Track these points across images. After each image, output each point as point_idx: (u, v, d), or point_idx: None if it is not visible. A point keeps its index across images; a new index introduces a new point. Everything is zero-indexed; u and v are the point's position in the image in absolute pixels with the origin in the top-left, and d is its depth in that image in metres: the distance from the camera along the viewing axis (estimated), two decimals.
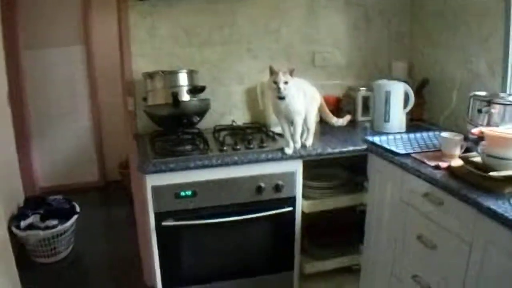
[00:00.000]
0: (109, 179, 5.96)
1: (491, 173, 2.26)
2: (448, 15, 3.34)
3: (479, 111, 2.74)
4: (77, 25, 5.41)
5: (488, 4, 2.96)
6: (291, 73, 2.74)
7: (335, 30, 3.58)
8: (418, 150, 2.82)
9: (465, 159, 2.49)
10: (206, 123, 3.23)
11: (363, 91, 3.50)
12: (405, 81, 3.35)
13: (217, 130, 3.20)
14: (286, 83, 2.70)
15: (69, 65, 5.50)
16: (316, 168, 3.09)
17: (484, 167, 2.35)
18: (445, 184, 2.38)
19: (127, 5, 3.10)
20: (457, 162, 2.53)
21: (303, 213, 2.98)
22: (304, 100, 2.84)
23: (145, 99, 3.07)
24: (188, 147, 2.82)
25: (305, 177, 2.96)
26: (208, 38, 3.30)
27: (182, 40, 3.25)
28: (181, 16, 3.22)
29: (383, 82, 3.26)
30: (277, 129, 3.12)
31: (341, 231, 3.31)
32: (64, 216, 4.10)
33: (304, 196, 2.99)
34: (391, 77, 3.51)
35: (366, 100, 3.49)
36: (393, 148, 2.83)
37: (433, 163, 2.59)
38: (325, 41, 3.57)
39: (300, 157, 2.85)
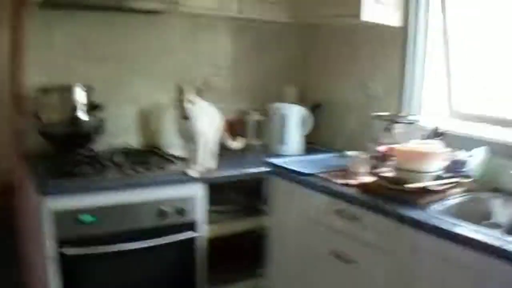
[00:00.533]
0: None
1: (407, 185, 2.31)
2: (345, 42, 3.46)
3: (387, 129, 2.80)
4: None
5: (386, 33, 3.10)
6: (199, 93, 2.67)
7: (228, 53, 3.54)
8: (323, 170, 2.82)
9: (377, 175, 2.53)
10: (99, 145, 2.99)
11: (255, 114, 3.46)
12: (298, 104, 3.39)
13: (111, 152, 2.97)
14: (191, 103, 2.63)
15: None
16: (216, 193, 2.95)
17: (397, 181, 2.39)
18: (360, 200, 2.41)
19: (25, 11, 2.83)
20: (368, 179, 2.57)
21: (207, 238, 2.84)
22: (206, 121, 2.77)
23: (38, 116, 2.79)
24: (87, 168, 2.60)
25: (208, 202, 2.82)
26: (105, 53, 3.08)
27: (79, 53, 3.01)
28: (80, 28, 2.99)
29: (279, 105, 3.27)
30: (174, 151, 3.01)
31: (244, 255, 3.19)
32: None
33: (209, 221, 2.84)
34: (283, 102, 3.51)
35: (258, 123, 3.45)
36: (300, 169, 2.80)
37: (342, 181, 2.60)
38: (219, 64, 3.51)
39: (204, 180, 2.73)
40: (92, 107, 2.80)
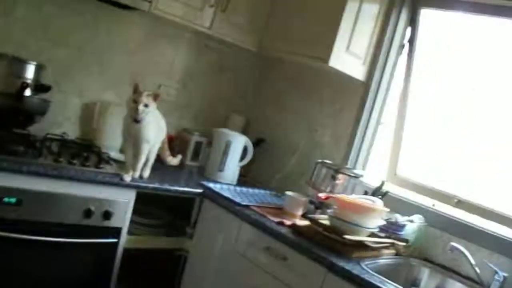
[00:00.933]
0: None
1: (346, 236, 2.28)
2: (302, 83, 3.44)
3: (332, 178, 2.76)
4: None
5: (347, 81, 3.09)
6: (156, 98, 2.57)
7: (186, 68, 3.47)
8: (259, 204, 2.77)
9: (313, 220, 2.48)
10: (35, 129, 2.79)
11: (196, 135, 3.38)
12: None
13: (48, 138, 2.79)
14: (146, 106, 2.51)
15: None
16: (142, 205, 2.82)
17: (332, 230, 2.37)
18: (291, 240, 2.35)
19: None
20: (302, 222, 2.54)
21: (124, 248, 2.70)
22: (155, 130, 2.67)
23: None
24: (21, 148, 2.41)
25: (134, 211, 2.70)
26: (63, 38, 2.94)
27: (37, 31, 2.85)
28: (47, 6, 2.84)
29: (225, 131, 3.20)
30: (111, 154, 2.90)
31: (159, 274, 3.03)
32: None
33: (129, 231, 2.71)
34: (227, 128, 3.46)
35: (198, 145, 3.38)
36: (235, 198, 2.72)
37: (276, 219, 2.55)
38: (174, 76, 3.43)
39: (136, 187, 2.61)
40: (40, 87, 2.65)
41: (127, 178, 2.55)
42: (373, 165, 3.12)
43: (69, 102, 3.05)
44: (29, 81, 2.60)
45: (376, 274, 2.08)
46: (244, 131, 3.59)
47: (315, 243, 2.31)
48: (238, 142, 3.16)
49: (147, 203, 2.84)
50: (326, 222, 2.45)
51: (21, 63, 2.62)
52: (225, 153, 3.12)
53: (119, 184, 2.54)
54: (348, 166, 3.02)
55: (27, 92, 2.57)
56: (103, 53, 3.10)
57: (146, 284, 2.97)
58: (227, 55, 3.58)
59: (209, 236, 2.79)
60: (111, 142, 2.96)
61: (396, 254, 2.49)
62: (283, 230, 2.42)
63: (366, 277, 2.03)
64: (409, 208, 2.69)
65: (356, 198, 2.53)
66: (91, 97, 3.10)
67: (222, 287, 2.67)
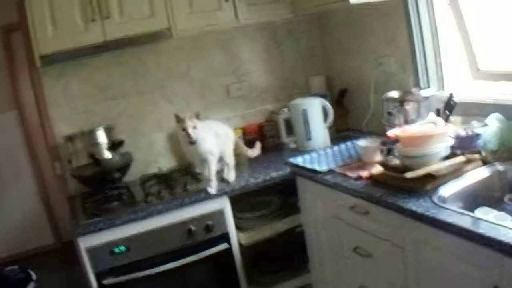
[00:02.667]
0: (65, 239, 5.77)
1: (406, 174, 2.24)
2: (353, 23, 3.40)
3: (389, 113, 2.73)
4: (7, 89, 5.28)
5: (387, 7, 3.00)
6: (198, 116, 2.75)
7: (247, 58, 3.58)
8: (341, 163, 2.81)
9: (384, 165, 2.48)
10: (133, 175, 3.21)
11: (284, 113, 3.46)
12: (324, 95, 3.37)
13: (143, 180, 3.16)
14: (194, 127, 2.70)
15: (4, 131, 5.36)
16: (251, 197, 3.05)
17: (403, 169, 2.32)
18: (367, 194, 2.37)
19: (38, 70, 3.04)
20: (377, 169, 2.52)
21: (242, 246, 2.94)
22: (215, 139, 2.85)
23: (70, 161, 3.06)
24: (115, 203, 2.80)
25: (238, 210, 2.94)
26: (121, 90, 3.27)
27: (97, 96, 3.22)
28: (92, 73, 3.19)
29: (298, 101, 3.26)
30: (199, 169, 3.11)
31: (287, 254, 3.25)
32: (20, 286, 3.96)
33: (241, 228, 2.95)
34: (310, 93, 3.51)
35: (288, 121, 3.45)
36: (315, 167, 2.80)
37: (354, 174, 2.58)
38: (238, 71, 3.56)
39: (225, 193, 2.83)
40: (114, 145, 3.02)
41: (211, 190, 2.78)
42: (450, 73, 2.94)
43: (154, 139, 3.37)
44: (101, 145, 2.99)
45: (445, 206, 2.01)
46: (328, 88, 3.63)
47: (390, 189, 2.30)
48: (314, 106, 3.20)
49: (258, 194, 3.06)
50: (394, 163, 2.44)
51: (90, 133, 3.03)
52: (305, 121, 3.19)
53: (206, 197, 2.78)
54: (422, 86, 2.93)
55: (105, 154, 2.97)
56: (160, 85, 3.36)
57: (281, 264, 3.20)
58: (277, 27, 3.63)
59: (311, 208, 2.91)
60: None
61: (480, 166, 2.32)
62: (361, 185, 2.46)
63: (433, 213, 1.96)
64: (489, 109, 2.47)
65: (417, 127, 2.47)
66: (170, 126, 3.31)
67: (334, 252, 2.78)
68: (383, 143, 2.64)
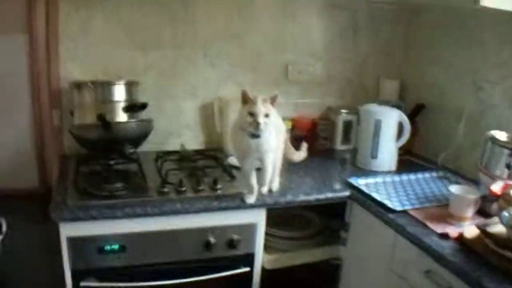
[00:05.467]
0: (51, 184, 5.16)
1: None
2: (456, 29, 2.71)
3: (508, 166, 2.09)
4: (19, 7, 4.61)
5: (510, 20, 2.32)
6: (273, 101, 2.03)
7: (314, 38, 2.91)
8: (417, 203, 2.19)
9: (483, 230, 1.84)
10: (148, 146, 2.55)
11: (344, 114, 2.87)
12: (399, 106, 2.78)
13: (160, 156, 2.50)
14: (266, 116, 1.98)
15: (8, 56, 4.70)
16: (284, 212, 2.45)
17: (507, 243, 1.72)
18: (455, 263, 1.75)
19: None
20: (471, 231, 1.90)
21: (264, 269, 2.32)
22: (275, 134, 2.12)
23: (72, 113, 2.39)
24: (119, 184, 2.11)
25: (268, 222, 2.28)
26: (155, 39, 2.58)
27: (123, 40, 2.53)
28: (122, 9, 2.50)
29: (373, 108, 2.62)
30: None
31: (312, 281, 2.64)
32: None
33: (266, 247, 2.32)
34: (379, 100, 2.91)
35: (347, 125, 2.87)
36: (386, 202, 2.16)
37: (439, 229, 1.95)
38: (302, 50, 2.89)
39: (264, 205, 2.18)
40: (133, 107, 2.31)
41: (250, 199, 2.12)
42: None
43: (183, 107, 2.73)
44: (118, 104, 2.30)
45: None
46: (401, 97, 3.01)
47: (486, 265, 1.70)
48: (390, 118, 2.56)
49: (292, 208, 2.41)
50: (500, 231, 1.81)
51: (105, 86, 2.33)
52: (376, 134, 2.56)
53: (241, 206, 2.12)
54: None
55: (119, 117, 2.27)
56: (205, 43, 2.69)
57: None
58: (358, 10, 2.96)
59: (362, 245, 2.31)
60: None
61: None
62: (447, 246, 1.84)
63: None
64: None
65: None
66: (206, 95, 2.73)
67: None
68: (486, 199, 2.03)
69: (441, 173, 2.59)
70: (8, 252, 3.27)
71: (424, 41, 2.95)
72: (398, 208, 2.11)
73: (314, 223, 2.58)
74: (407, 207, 2.13)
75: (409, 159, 2.80)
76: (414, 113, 2.87)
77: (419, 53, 2.99)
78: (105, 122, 2.17)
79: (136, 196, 2.06)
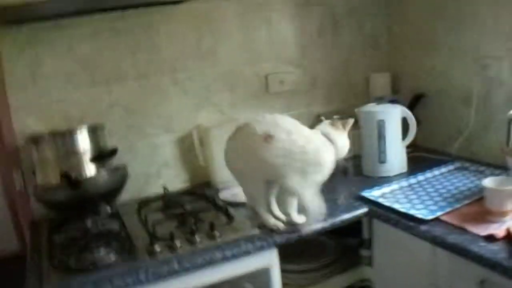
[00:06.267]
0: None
1: None
2: (446, 6, 2.43)
3: None
4: None
5: None
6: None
7: (292, 43, 2.61)
8: (447, 206, 1.89)
9: None
10: (126, 195, 2.23)
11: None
12: (394, 100, 2.53)
13: (142, 206, 2.16)
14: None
15: None
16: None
17: None
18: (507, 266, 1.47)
19: None
20: None
21: None
22: None
23: (34, 173, 2.04)
24: (102, 252, 1.76)
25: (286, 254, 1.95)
26: (116, 71, 2.26)
27: (80, 78, 2.20)
28: (75, 43, 2.17)
29: (373, 108, 2.33)
30: (228, 194, 2.18)
31: None
32: None
33: (284, 286, 1.97)
34: (373, 97, 2.66)
35: None
36: (414, 212, 1.86)
37: (482, 231, 1.66)
38: (280, 58, 2.59)
39: (275, 245, 1.83)
40: (100, 155, 1.96)
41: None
42: None
43: (158, 144, 2.39)
44: (83, 155, 1.96)
45: None
46: (394, 91, 2.72)
47: None
48: (393, 116, 2.27)
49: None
50: None
51: (65, 136, 1.99)
52: (381, 137, 2.26)
53: (250, 251, 1.78)
54: None
55: (87, 171, 1.93)
56: (173, 67, 2.37)
57: None
58: (335, 5, 2.67)
59: (392, 265, 1.99)
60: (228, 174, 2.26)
61: None
62: (498, 251, 1.54)
63: None
64: None
65: None
66: (182, 126, 2.41)
67: None
68: None
69: (457, 164, 2.33)
70: None
71: (412, 25, 2.66)
72: (429, 216, 1.81)
73: (329, 246, 2.26)
74: (438, 213, 1.82)
75: (417, 155, 2.51)
76: (413, 104, 2.60)
77: (409, 40, 2.70)
78: (71, 180, 1.82)
79: (124, 262, 1.71)
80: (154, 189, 2.35)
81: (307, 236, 1.86)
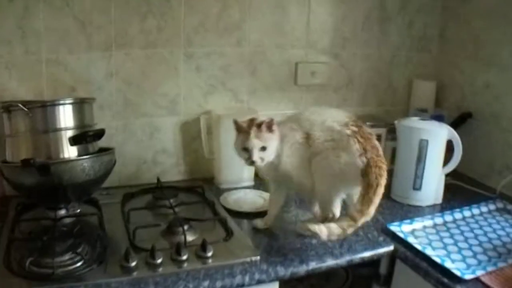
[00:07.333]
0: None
1: None
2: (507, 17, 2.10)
3: None
4: None
5: None
6: (270, 127, 1.50)
7: (331, 29, 2.26)
8: (489, 265, 1.55)
9: None
10: (115, 178, 1.92)
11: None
12: (438, 116, 2.21)
13: (128, 198, 1.85)
14: (264, 148, 1.50)
15: None
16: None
17: None
18: None
19: None
20: None
21: None
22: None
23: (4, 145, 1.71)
24: (65, 257, 1.41)
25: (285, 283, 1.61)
26: (121, 36, 1.91)
27: (76, 39, 1.85)
28: None
29: (417, 124, 1.99)
30: (231, 198, 1.90)
31: None
32: None
33: None
34: (415, 109, 2.38)
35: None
36: (450, 266, 1.51)
37: None
38: (315, 45, 2.25)
39: (277, 278, 1.50)
40: (84, 136, 1.62)
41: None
42: None
43: (159, 126, 2.07)
44: (63, 133, 1.61)
45: None
46: (438, 103, 2.40)
47: None
48: (438, 137, 1.94)
49: None
50: None
51: (44, 108, 1.61)
52: (420, 160, 1.93)
53: (244, 283, 1.44)
54: None
55: (65, 152, 1.58)
56: (187, 39, 2.03)
57: None
58: None
59: None
60: (235, 173, 1.95)
61: None
62: None
63: None
64: None
65: None
66: (189, 110, 2.10)
67: None
68: None
69: (499, 204, 2.01)
70: None
71: (469, 30, 2.33)
72: (468, 275, 1.47)
73: (339, 274, 1.96)
74: (479, 273, 1.49)
75: (454, 183, 2.18)
76: (457, 123, 2.26)
77: (463, 47, 2.37)
78: (42, 164, 1.48)
79: (90, 273, 1.38)
80: (147, 176, 2.05)
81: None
